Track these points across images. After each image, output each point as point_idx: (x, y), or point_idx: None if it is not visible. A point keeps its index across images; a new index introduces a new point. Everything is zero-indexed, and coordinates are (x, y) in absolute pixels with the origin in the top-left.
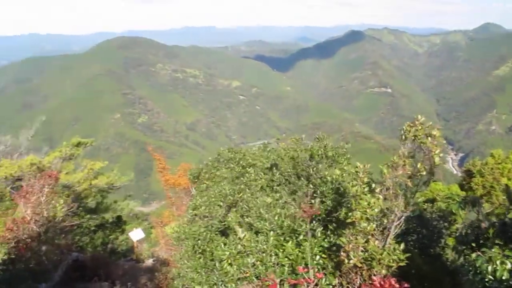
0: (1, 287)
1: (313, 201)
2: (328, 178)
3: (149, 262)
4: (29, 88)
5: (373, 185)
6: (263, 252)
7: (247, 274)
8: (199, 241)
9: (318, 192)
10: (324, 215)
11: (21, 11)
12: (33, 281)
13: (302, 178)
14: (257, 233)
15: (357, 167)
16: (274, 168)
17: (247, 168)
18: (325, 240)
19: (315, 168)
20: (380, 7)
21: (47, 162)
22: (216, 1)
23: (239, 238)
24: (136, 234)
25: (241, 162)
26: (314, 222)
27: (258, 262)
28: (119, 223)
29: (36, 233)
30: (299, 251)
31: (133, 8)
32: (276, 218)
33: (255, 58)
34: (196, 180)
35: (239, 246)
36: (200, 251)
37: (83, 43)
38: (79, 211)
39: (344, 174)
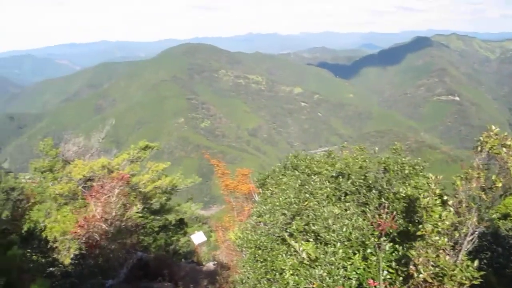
0: (73, 281)
1: (384, 216)
2: (402, 194)
3: (209, 265)
4: (100, 92)
5: (445, 197)
6: (331, 264)
7: (314, 286)
8: (260, 250)
9: (390, 207)
10: (395, 232)
11: (95, 20)
12: (102, 277)
13: (374, 191)
14: (323, 243)
15: (428, 178)
16: (341, 177)
17: (312, 176)
18: (393, 254)
19: (388, 183)
20: (447, 12)
21: (116, 164)
22: (280, 8)
23: (301, 249)
24: (198, 237)
25: (306, 170)
26: (383, 236)
27: (326, 274)
28: (182, 225)
29: (105, 231)
30: (366, 264)
31: (199, 16)
32: (344, 229)
33: (317, 64)
34: (261, 187)
35: (301, 256)
36: (261, 260)
37: (150, 50)
38: (144, 211)
39: (419, 192)
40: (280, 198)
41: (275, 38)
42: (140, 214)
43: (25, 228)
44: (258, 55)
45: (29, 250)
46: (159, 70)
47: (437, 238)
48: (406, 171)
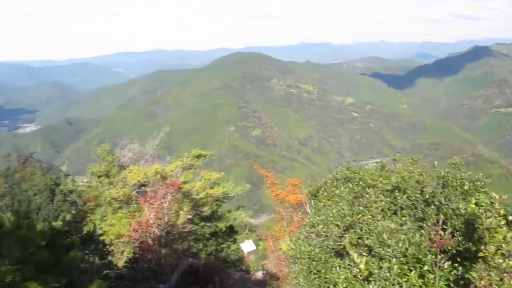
0: (127, 284)
1: (442, 232)
2: (462, 211)
3: (258, 274)
4: (154, 99)
5: (510, 218)
6: (386, 280)
7: None
8: (313, 262)
9: (449, 224)
10: (454, 250)
11: (150, 30)
12: (154, 281)
13: (432, 206)
14: (377, 258)
15: (492, 197)
16: (397, 190)
17: (366, 189)
18: (452, 273)
19: (447, 198)
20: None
21: (169, 171)
22: (333, 18)
23: (355, 262)
24: (247, 246)
25: (360, 182)
26: (441, 253)
27: None
28: (231, 233)
29: (157, 236)
30: (423, 282)
31: (251, 25)
32: (400, 245)
33: (370, 74)
34: (313, 198)
35: (355, 270)
36: (315, 271)
37: (203, 58)
38: (195, 218)
39: (480, 210)
40: (334, 210)
41: (327, 47)
42: (191, 221)
43: (85, 230)
44: (310, 64)
45: (87, 252)
46: (212, 78)
47: (501, 260)
48: (466, 187)
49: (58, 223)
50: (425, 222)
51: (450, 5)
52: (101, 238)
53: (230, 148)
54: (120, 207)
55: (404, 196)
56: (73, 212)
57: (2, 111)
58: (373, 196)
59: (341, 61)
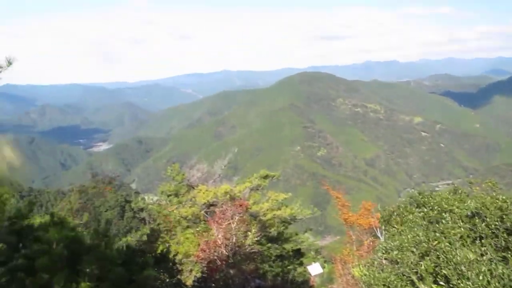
0: None
1: None
2: None
3: None
4: (220, 119)
5: None
6: None
7: None
8: None
9: None
10: None
11: (217, 52)
12: None
13: None
14: None
15: None
16: (476, 217)
17: (442, 214)
18: None
19: None
20: None
21: (238, 191)
22: (397, 35)
23: None
24: (314, 269)
25: (435, 207)
26: None
27: None
28: (298, 255)
29: (225, 256)
30: None
31: (316, 45)
32: (481, 277)
33: (440, 92)
34: (385, 223)
35: None
36: None
37: (269, 78)
38: (262, 239)
39: None
40: (408, 236)
41: (394, 66)
42: (259, 242)
43: (158, 250)
44: (376, 83)
45: (159, 271)
46: (277, 98)
47: None
48: None
49: (129, 239)
50: (508, 252)
51: None
52: (172, 257)
53: (296, 168)
54: (188, 226)
55: (483, 224)
56: (147, 230)
57: (79, 131)
58: (450, 222)
59: (408, 80)
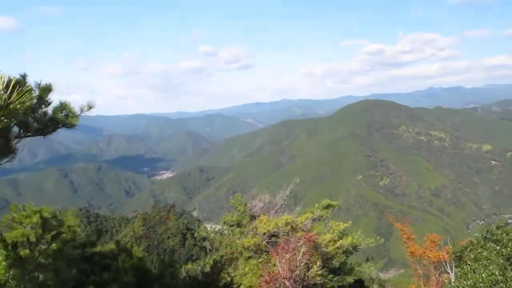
0: None
1: None
2: None
3: None
4: (280, 148)
5: None
6: None
7: None
8: None
9: None
10: None
11: (277, 81)
12: None
13: None
14: None
15: None
16: None
17: None
18: None
19: None
20: None
21: (299, 222)
22: (462, 60)
23: None
24: None
25: (510, 244)
26: None
27: None
28: (361, 287)
29: None
30: None
31: (378, 72)
32: None
33: (510, 118)
34: (457, 259)
35: None
36: None
37: (329, 107)
38: (324, 271)
39: None
40: (483, 274)
41: (458, 92)
42: (321, 273)
43: (222, 281)
44: (440, 110)
45: None
46: (338, 127)
47: None
48: None
49: (189, 267)
50: None
51: None
52: None
53: (358, 197)
54: (250, 257)
55: None
56: (210, 261)
57: (142, 159)
58: None
59: (475, 106)
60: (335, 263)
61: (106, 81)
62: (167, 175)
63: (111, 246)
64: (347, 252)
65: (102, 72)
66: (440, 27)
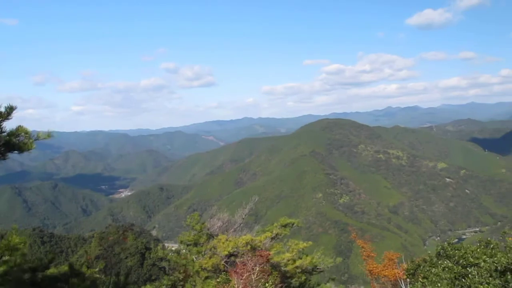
0: None
1: None
2: None
3: None
4: (241, 166)
5: None
6: None
7: None
8: None
9: None
10: None
11: (238, 100)
12: None
13: None
14: None
15: None
16: (509, 273)
17: (467, 269)
18: None
19: None
20: None
21: (258, 241)
22: (418, 81)
23: None
24: None
25: (460, 261)
26: None
27: None
28: None
29: None
30: None
31: (338, 92)
32: None
33: (463, 138)
34: (411, 276)
35: None
36: None
37: (290, 125)
38: None
39: None
40: None
41: (415, 112)
42: None
43: None
44: (398, 129)
45: None
46: (299, 145)
47: None
48: None
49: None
50: None
51: None
52: None
53: (318, 215)
54: (208, 277)
55: None
56: (167, 282)
57: (100, 177)
58: (477, 277)
59: (431, 125)
60: (295, 282)
61: (64, 96)
62: (126, 193)
63: (64, 268)
64: (306, 272)
65: (60, 88)
66: (399, 48)
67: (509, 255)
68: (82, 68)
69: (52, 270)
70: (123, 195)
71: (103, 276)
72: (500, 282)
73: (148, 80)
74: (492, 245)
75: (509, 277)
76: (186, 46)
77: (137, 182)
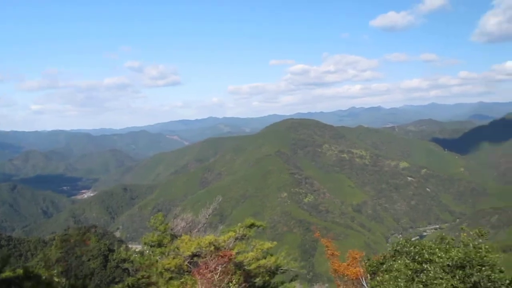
0: None
1: None
2: None
3: None
4: (206, 166)
5: None
6: None
7: None
8: None
9: None
10: None
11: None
12: None
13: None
14: None
15: None
16: (460, 268)
17: (423, 264)
18: None
19: None
20: None
21: (222, 241)
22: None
23: None
24: None
25: (417, 257)
26: None
27: None
28: None
29: None
30: None
31: (303, 92)
32: None
33: (424, 138)
34: (372, 272)
35: None
36: None
37: (255, 125)
38: None
39: None
40: (390, 287)
41: (378, 112)
42: None
43: None
44: (361, 129)
45: None
46: (263, 145)
47: None
48: None
49: None
50: None
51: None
52: None
53: (283, 214)
54: (172, 278)
55: (467, 275)
56: (128, 284)
57: (62, 178)
58: (432, 273)
59: (393, 125)
60: (259, 281)
61: (24, 95)
62: (88, 194)
63: (19, 271)
64: (270, 272)
65: (20, 86)
66: (363, 49)
67: (461, 250)
68: (44, 67)
69: (7, 274)
70: (85, 196)
71: (63, 280)
72: (450, 276)
73: (112, 78)
74: (447, 241)
75: (461, 271)
76: (151, 45)
77: (100, 183)
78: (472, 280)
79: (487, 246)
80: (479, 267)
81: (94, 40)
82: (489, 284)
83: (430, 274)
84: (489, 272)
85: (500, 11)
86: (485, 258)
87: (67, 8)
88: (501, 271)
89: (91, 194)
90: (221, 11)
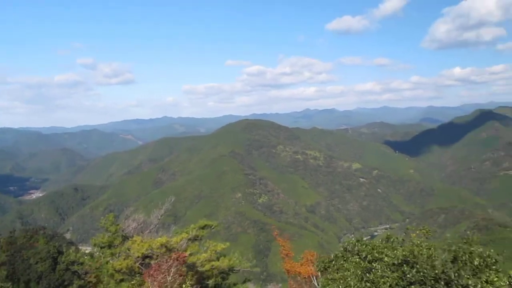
0: None
1: None
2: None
3: None
4: (160, 166)
5: None
6: None
7: None
8: None
9: None
10: None
11: (158, 98)
12: None
13: (441, 282)
14: None
15: (510, 276)
16: (405, 265)
17: (372, 263)
18: None
19: (456, 274)
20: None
21: (174, 243)
22: (336, 85)
23: None
24: None
25: (368, 257)
26: None
27: None
28: None
29: None
30: None
31: (258, 93)
32: None
33: (376, 140)
34: (323, 271)
35: None
36: None
37: (210, 125)
38: None
39: None
40: (340, 286)
41: (332, 114)
42: None
43: None
44: (315, 130)
45: None
46: (218, 145)
47: None
48: (476, 263)
49: None
50: None
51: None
52: None
53: (237, 215)
54: (122, 280)
55: (413, 271)
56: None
57: (9, 178)
58: (379, 271)
59: (346, 127)
60: (212, 283)
61: None
62: (37, 194)
63: None
64: (224, 273)
65: None
66: (319, 52)
67: (406, 249)
68: None
69: None
70: (34, 197)
71: (9, 284)
72: (397, 274)
73: (63, 75)
74: (392, 240)
75: (405, 268)
76: (105, 43)
77: (49, 183)
78: (408, 276)
79: (428, 244)
80: (415, 264)
81: (45, 35)
82: (421, 278)
83: (377, 273)
84: (423, 268)
85: (449, 19)
86: (421, 256)
87: None
88: (432, 266)
89: (40, 195)
90: (175, 12)
